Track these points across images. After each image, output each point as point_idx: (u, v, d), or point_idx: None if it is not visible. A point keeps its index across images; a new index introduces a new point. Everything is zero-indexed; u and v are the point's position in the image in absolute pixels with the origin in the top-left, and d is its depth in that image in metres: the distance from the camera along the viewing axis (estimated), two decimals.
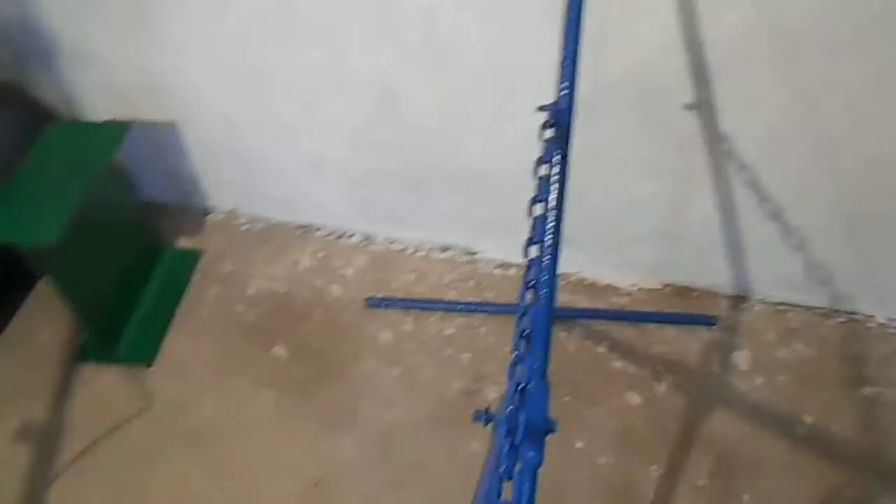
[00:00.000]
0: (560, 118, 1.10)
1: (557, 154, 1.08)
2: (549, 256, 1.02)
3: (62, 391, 1.92)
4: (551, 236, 1.03)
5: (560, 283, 2.02)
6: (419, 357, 1.94)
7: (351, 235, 2.20)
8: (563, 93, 1.13)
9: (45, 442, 1.82)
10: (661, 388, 1.82)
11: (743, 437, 1.70)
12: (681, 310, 1.93)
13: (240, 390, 1.91)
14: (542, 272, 1.00)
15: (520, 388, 0.86)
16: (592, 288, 2.02)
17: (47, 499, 1.71)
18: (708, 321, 1.89)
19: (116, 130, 1.86)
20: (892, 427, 1.68)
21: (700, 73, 1.45)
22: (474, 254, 2.11)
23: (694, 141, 1.59)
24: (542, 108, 1.10)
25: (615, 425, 1.77)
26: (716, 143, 1.57)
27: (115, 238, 2.00)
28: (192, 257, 2.20)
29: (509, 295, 2.03)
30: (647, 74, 1.49)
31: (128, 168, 2.06)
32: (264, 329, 2.04)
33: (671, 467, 1.68)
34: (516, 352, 0.95)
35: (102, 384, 1.92)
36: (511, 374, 0.91)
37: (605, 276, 2.00)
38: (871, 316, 1.84)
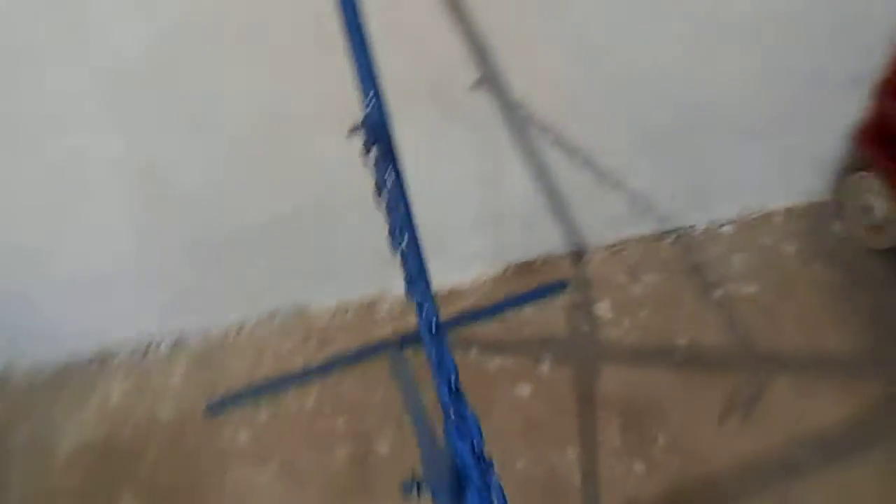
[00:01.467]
0: (378, 131, 0.98)
1: (391, 170, 0.96)
2: (421, 280, 0.94)
3: None
4: (417, 258, 0.92)
5: (402, 307, 1.88)
6: (290, 443, 1.70)
7: (158, 344, 1.89)
8: (370, 104, 1.00)
9: None
10: (544, 368, 1.75)
11: (635, 384, 1.68)
12: (530, 286, 1.87)
13: None
14: (422, 300, 0.88)
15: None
16: (438, 297, 1.90)
17: None
18: (559, 287, 1.85)
19: None
20: (750, 316, 1.75)
21: (477, 49, 1.39)
22: (304, 310, 1.90)
23: (493, 117, 1.53)
24: (353, 131, 0.97)
25: (516, 424, 1.67)
26: (513, 112, 1.53)
27: None
28: None
29: (356, 340, 1.85)
30: (428, 62, 1.40)
31: None
32: (97, 488, 1.68)
33: (585, 442, 1.61)
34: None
35: None
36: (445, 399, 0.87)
37: (447, 279, 1.90)
38: (694, 225, 1.92)
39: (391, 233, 0.97)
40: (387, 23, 1.27)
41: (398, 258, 0.96)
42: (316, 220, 1.65)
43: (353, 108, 1.12)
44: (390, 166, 0.98)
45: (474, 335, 1.81)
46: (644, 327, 1.78)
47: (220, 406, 1.75)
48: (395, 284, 1.88)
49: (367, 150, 0.96)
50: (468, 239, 1.81)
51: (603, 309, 1.82)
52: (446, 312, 1.86)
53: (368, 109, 1.01)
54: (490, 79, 1.45)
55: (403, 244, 0.95)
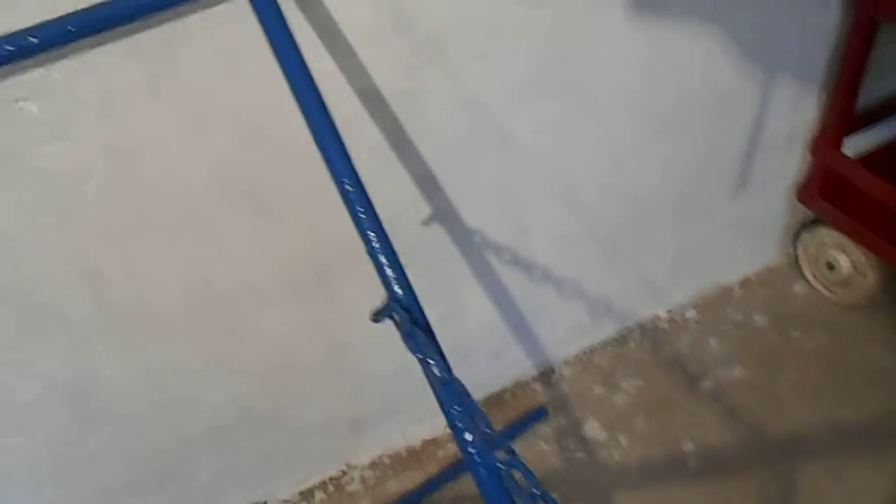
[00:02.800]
0: (413, 316, 0.85)
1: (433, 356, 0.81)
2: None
3: None
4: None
5: (376, 473, 1.58)
6: None
7: None
8: (393, 278, 0.86)
9: None
10: None
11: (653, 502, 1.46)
12: (506, 421, 1.63)
13: None
14: None
15: None
16: (413, 455, 1.61)
17: None
18: (539, 415, 1.62)
19: None
20: (747, 401, 1.59)
21: (424, 185, 1.25)
22: None
23: (450, 248, 1.37)
24: (376, 317, 0.85)
25: None
26: (469, 238, 1.37)
27: None
28: None
29: None
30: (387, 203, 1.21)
31: None
32: None
33: None
34: None
35: None
36: None
37: (415, 434, 1.62)
38: (657, 316, 1.78)
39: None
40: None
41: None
42: (267, 403, 1.38)
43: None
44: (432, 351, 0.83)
45: (461, 490, 1.52)
46: (643, 440, 1.57)
47: None
48: (363, 452, 1.60)
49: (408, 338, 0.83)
50: (427, 389, 1.56)
51: (593, 429, 1.60)
52: (424, 474, 1.57)
53: (389, 284, 0.88)
54: (441, 212, 1.31)
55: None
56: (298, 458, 1.54)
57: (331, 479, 1.59)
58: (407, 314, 0.83)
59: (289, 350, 1.35)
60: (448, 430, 1.63)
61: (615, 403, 1.64)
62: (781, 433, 1.54)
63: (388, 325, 0.87)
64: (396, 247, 1.27)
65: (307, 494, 1.57)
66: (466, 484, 1.53)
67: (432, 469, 1.59)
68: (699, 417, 1.59)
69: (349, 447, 1.59)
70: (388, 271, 0.85)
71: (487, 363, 1.61)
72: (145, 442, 1.33)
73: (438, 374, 0.79)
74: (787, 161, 1.62)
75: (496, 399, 1.67)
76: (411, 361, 0.83)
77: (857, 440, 1.50)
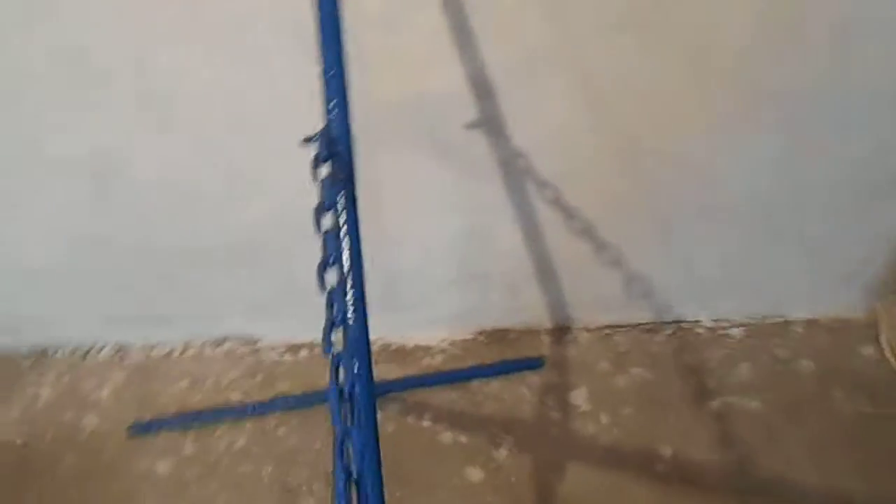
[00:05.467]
0: (335, 147, 0.84)
1: (342, 195, 0.82)
2: (357, 325, 0.80)
3: None
4: (355, 302, 0.81)
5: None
6: (209, 484, 1.53)
7: (101, 349, 1.78)
8: (332, 114, 0.87)
9: None
10: (502, 453, 1.53)
11: (604, 490, 1.44)
12: (502, 357, 1.68)
13: None
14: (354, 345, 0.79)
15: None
16: (399, 353, 1.72)
17: None
18: (534, 364, 1.65)
19: None
20: (749, 436, 1.49)
21: (480, 85, 1.25)
22: (256, 342, 1.76)
23: (487, 163, 1.38)
24: (307, 141, 0.84)
25: None
26: (511, 161, 1.37)
27: None
28: None
29: (305, 382, 1.68)
30: (421, 91, 1.27)
31: None
32: (5, 487, 1.55)
33: None
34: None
35: None
36: (339, 461, 0.70)
37: (412, 336, 1.73)
38: (697, 321, 1.69)
39: (322, 266, 0.81)
40: (381, 46, 1.19)
41: (324, 298, 0.80)
42: (275, 246, 1.54)
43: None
44: (344, 189, 0.84)
45: (431, 401, 1.62)
46: (624, 427, 1.54)
47: (146, 427, 1.61)
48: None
49: (318, 165, 0.83)
50: (440, 294, 1.65)
51: (580, 397, 1.60)
52: (401, 371, 1.69)
53: (329, 119, 0.89)
54: (490, 120, 1.31)
55: (335, 283, 0.80)
56: (295, 313, 1.63)
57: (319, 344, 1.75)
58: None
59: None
60: (447, 344, 1.72)
61: (614, 383, 1.62)
62: (770, 476, 1.43)
63: None
64: (433, 142, 1.32)
65: (293, 349, 1.74)
66: (437, 396, 1.64)
67: (409, 371, 1.69)
68: (691, 429, 1.52)
69: None
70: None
71: (503, 296, 1.65)
72: (158, 236, 1.54)
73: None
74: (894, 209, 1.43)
75: (500, 334, 1.72)
76: None
77: None
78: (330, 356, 0.78)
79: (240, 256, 1.57)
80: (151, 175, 1.41)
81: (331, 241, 0.82)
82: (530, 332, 1.72)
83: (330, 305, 0.81)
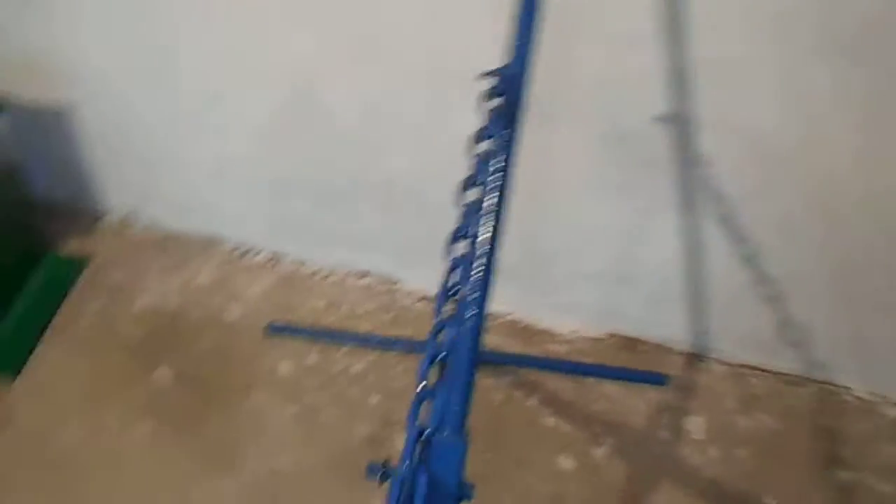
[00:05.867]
0: (510, 86, 0.85)
1: (504, 131, 0.81)
2: (482, 263, 0.75)
3: None
4: (488, 232, 0.77)
5: (489, 323, 1.74)
6: (321, 395, 1.64)
7: (258, 252, 1.92)
8: (517, 54, 0.89)
9: None
10: (600, 452, 1.51)
11: None
12: (627, 364, 1.64)
13: (112, 416, 1.63)
14: (472, 285, 0.73)
15: (424, 437, 0.59)
16: (527, 332, 1.73)
17: None
18: (658, 380, 1.60)
19: None
20: None
21: (678, 77, 1.19)
22: (395, 283, 1.83)
23: (664, 163, 1.31)
24: (488, 74, 0.85)
25: (544, 492, 1.47)
26: (690, 166, 1.31)
27: None
28: (76, 264, 1.91)
29: None
30: (614, 74, 1.23)
31: (15, 160, 1.82)
32: (148, 350, 1.74)
33: None
34: (422, 385, 0.65)
35: None
36: (413, 418, 0.63)
37: (542, 318, 1.72)
38: (849, 388, 1.56)
39: (464, 186, 0.82)
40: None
41: (459, 218, 0.81)
42: (434, 199, 1.56)
43: None
44: (507, 128, 0.85)
45: (544, 384, 1.62)
46: (733, 467, 1.47)
47: (280, 330, 1.74)
48: (501, 299, 1.73)
49: (488, 99, 0.85)
50: (583, 286, 1.63)
51: (695, 425, 1.54)
52: (522, 349, 1.70)
53: (512, 58, 0.91)
54: (680, 118, 1.24)
55: (483, 218, 0.77)
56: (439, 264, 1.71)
57: None
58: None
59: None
60: (576, 337, 1.70)
61: (736, 422, 1.54)
62: None
63: None
64: (612, 125, 1.29)
65: (430, 298, 1.78)
66: (551, 381, 1.63)
67: (534, 350, 1.70)
68: (806, 492, 1.42)
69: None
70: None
71: (645, 305, 1.61)
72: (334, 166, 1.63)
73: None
74: None
75: (631, 342, 1.67)
76: None
77: None
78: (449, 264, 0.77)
79: (398, 200, 1.64)
80: (347, 102, 1.50)
81: (481, 166, 0.80)
82: (663, 349, 1.67)
83: (463, 218, 0.79)
